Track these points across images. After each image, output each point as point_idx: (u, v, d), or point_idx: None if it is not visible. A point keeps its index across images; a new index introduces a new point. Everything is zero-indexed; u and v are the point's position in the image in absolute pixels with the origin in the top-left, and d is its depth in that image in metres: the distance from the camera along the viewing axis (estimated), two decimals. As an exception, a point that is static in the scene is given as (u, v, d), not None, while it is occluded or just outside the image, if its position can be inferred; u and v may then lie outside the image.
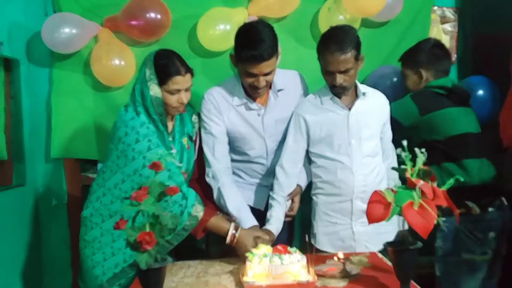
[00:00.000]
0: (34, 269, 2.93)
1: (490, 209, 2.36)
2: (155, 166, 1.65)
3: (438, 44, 2.61)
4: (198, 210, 2.08)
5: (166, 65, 2.13)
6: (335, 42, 2.17)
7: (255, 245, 2.02)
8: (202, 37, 2.79)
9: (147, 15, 2.72)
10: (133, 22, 2.74)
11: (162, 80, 2.13)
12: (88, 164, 3.08)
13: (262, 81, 2.20)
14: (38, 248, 2.97)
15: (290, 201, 2.34)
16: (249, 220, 2.20)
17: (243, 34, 2.22)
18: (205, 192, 2.34)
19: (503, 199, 2.42)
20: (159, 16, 2.74)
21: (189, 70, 2.18)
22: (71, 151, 2.93)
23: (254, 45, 2.13)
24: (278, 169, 2.34)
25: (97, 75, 2.78)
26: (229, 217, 2.21)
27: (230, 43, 2.54)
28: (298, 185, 2.36)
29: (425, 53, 2.55)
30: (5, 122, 2.73)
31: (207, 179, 2.32)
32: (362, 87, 2.30)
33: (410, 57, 2.60)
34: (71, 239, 2.95)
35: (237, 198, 2.27)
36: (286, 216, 2.33)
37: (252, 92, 2.28)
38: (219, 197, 2.26)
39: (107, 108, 2.87)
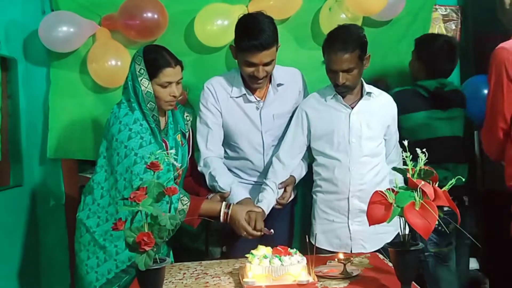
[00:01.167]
0: (32, 270, 2.92)
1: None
2: (153, 166, 1.63)
3: (447, 44, 2.62)
4: (184, 203, 2.08)
5: (155, 59, 2.13)
6: (339, 41, 2.18)
7: (248, 219, 2.10)
8: (199, 32, 2.77)
9: (144, 14, 2.71)
10: (130, 22, 2.73)
11: (153, 73, 2.12)
12: (86, 165, 3.07)
13: (262, 71, 2.22)
14: (36, 249, 2.96)
15: (282, 190, 2.35)
16: (241, 193, 2.25)
17: (243, 24, 2.25)
18: (198, 182, 2.38)
19: (465, 198, 2.57)
20: (156, 16, 2.72)
21: (178, 62, 2.17)
22: (68, 151, 2.92)
23: (255, 34, 2.15)
24: (274, 160, 2.36)
25: (93, 75, 2.77)
26: (222, 193, 2.24)
27: (227, 38, 2.53)
28: (292, 176, 2.38)
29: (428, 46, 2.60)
30: (1, 122, 2.71)
31: (199, 168, 2.36)
32: (368, 87, 2.30)
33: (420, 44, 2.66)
34: (69, 240, 2.93)
35: (228, 176, 2.31)
36: (277, 203, 2.34)
37: (251, 83, 2.29)
38: (211, 180, 2.29)
39: (105, 108, 2.84)
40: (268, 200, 2.28)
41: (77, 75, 2.85)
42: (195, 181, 2.40)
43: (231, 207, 2.14)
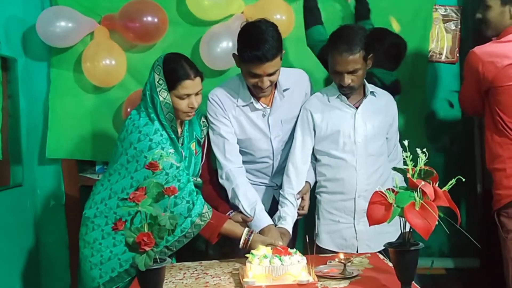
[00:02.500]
0: (32, 270, 2.92)
1: None
2: (152, 166, 1.63)
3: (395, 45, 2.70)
4: (203, 219, 2.07)
5: (175, 70, 2.10)
6: (344, 42, 2.16)
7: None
8: (192, 5, 2.76)
9: (144, 18, 2.71)
10: (130, 24, 2.73)
11: (171, 85, 2.10)
12: (86, 165, 3.07)
13: (266, 81, 2.16)
14: (36, 249, 2.96)
15: (300, 199, 2.33)
16: (264, 220, 2.19)
17: (245, 34, 2.18)
18: (218, 193, 2.35)
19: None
20: (155, 20, 2.73)
21: (198, 73, 2.15)
22: (67, 151, 2.92)
23: (257, 45, 2.08)
24: (288, 166, 2.33)
25: (87, 74, 2.76)
26: (245, 216, 2.20)
27: (222, 12, 2.60)
28: (307, 182, 2.35)
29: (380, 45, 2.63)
30: (2, 122, 2.71)
31: (221, 181, 2.31)
32: (370, 87, 2.30)
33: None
34: (69, 240, 2.94)
35: (252, 198, 2.25)
36: (298, 214, 2.32)
37: (256, 92, 2.25)
38: (233, 197, 2.25)
39: (105, 108, 2.86)
40: (291, 217, 2.26)
41: (77, 74, 2.85)
42: (216, 192, 2.36)
43: (252, 236, 2.09)
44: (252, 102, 2.30)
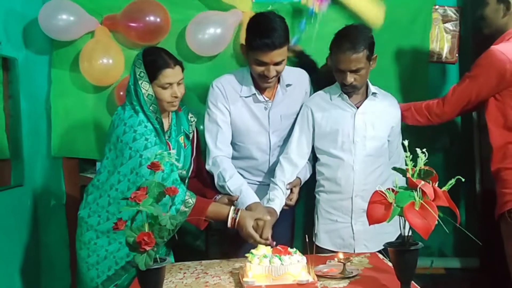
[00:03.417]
0: (33, 270, 2.92)
1: None
2: (154, 166, 1.64)
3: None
4: (188, 205, 2.06)
5: (154, 60, 2.14)
6: (348, 41, 2.19)
7: (256, 226, 2.06)
8: None
9: (146, 18, 2.72)
10: (132, 24, 2.74)
11: (153, 75, 2.13)
12: (86, 165, 3.07)
13: (273, 70, 2.21)
14: (36, 249, 2.97)
15: (289, 190, 2.35)
16: (251, 197, 2.22)
17: (255, 23, 2.25)
18: (204, 183, 2.38)
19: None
20: (158, 20, 2.73)
21: (178, 62, 2.18)
22: (71, 150, 2.93)
23: (266, 33, 2.15)
24: (282, 159, 2.36)
25: (84, 73, 2.76)
26: (230, 196, 2.23)
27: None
28: (297, 177, 2.38)
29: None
30: (4, 122, 2.71)
31: (207, 167, 2.34)
32: (373, 88, 2.31)
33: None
34: (70, 240, 2.94)
35: (237, 177, 2.29)
36: (285, 204, 2.34)
37: (261, 82, 2.29)
38: (220, 180, 2.28)
39: (107, 106, 2.86)
40: (280, 200, 2.28)
41: (78, 74, 2.84)
42: (201, 183, 2.39)
43: (239, 213, 2.09)
44: (255, 94, 2.33)
